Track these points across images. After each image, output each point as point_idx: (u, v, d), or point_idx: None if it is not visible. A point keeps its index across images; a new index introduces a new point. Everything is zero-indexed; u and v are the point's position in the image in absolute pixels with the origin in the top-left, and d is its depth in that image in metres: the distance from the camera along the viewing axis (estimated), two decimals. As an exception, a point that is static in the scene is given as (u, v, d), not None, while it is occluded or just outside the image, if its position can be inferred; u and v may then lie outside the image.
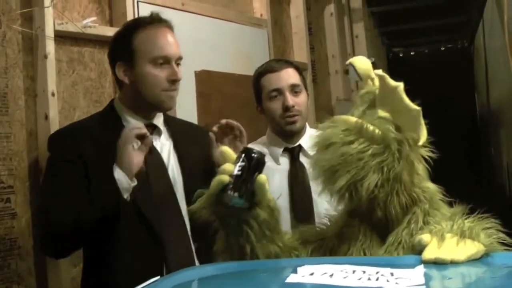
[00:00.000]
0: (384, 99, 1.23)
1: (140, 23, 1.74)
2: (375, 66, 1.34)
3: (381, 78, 1.22)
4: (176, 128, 1.85)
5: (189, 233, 1.75)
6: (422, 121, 1.20)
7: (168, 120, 1.85)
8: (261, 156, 1.26)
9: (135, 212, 1.64)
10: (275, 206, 1.30)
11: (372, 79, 1.29)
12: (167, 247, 1.67)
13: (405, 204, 1.23)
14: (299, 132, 2.07)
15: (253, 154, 1.25)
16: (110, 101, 1.84)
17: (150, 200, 1.68)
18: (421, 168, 1.28)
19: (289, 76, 2.04)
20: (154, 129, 1.77)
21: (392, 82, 1.20)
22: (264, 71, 2.07)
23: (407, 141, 1.21)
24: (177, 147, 1.80)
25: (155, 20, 1.74)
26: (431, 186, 1.29)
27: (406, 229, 1.22)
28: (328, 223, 1.41)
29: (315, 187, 1.99)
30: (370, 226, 1.27)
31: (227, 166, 1.25)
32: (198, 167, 1.79)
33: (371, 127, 1.21)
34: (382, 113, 1.23)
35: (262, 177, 1.26)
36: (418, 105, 1.20)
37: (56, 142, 1.72)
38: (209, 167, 1.83)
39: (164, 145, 1.79)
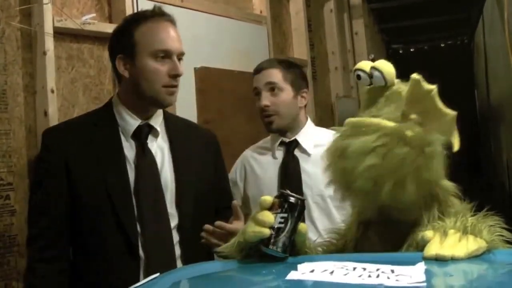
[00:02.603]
0: (415, 101, 1.20)
1: (141, 16, 1.72)
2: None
3: (416, 81, 1.19)
4: (175, 129, 1.80)
5: (175, 240, 1.70)
6: (455, 126, 1.18)
7: (168, 119, 1.80)
8: (302, 202, 1.20)
9: (115, 223, 1.62)
10: (310, 247, 1.27)
11: (393, 84, 1.26)
12: (148, 259, 1.63)
13: (427, 200, 1.21)
14: (291, 129, 2.10)
15: (293, 200, 1.18)
16: (110, 98, 1.83)
17: (131, 209, 1.64)
18: (441, 167, 1.25)
19: (268, 75, 2.06)
20: (150, 130, 1.73)
21: (427, 86, 1.17)
22: (253, 71, 2.13)
23: (436, 143, 1.18)
24: (173, 150, 1.76)
25: (157, 14, 1.71)
26: (447, 183, 1.26)
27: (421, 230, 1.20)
28: (338, 236, 1.38)
29: (307, 180, 2.05)
30: (383, 232, 1.26)
31: (267, 217, 1.17)
32: (194, 171, 1.77)
33: (409, 132, 1.16)
34: (412, 115, 1.20)
35: (303, 227, 1.21)
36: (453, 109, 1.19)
37: (45, 144, 1.71)
38: (206, 171, 1.83)
39: (160, 147, 1.75)
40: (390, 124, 1.19)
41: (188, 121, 1.97)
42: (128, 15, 1.77)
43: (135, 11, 2.33)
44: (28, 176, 1.96)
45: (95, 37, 2.25)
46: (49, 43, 1.99)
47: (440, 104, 1.18)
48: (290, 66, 2.15)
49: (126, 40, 1.68)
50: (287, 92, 2.08)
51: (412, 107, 1.20)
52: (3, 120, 1.89)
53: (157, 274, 1.16)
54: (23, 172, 1.94)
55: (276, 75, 2.07)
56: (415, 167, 1.15)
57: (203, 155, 1.84)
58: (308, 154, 2.08)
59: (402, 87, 1.24)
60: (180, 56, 1.71)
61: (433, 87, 1.18)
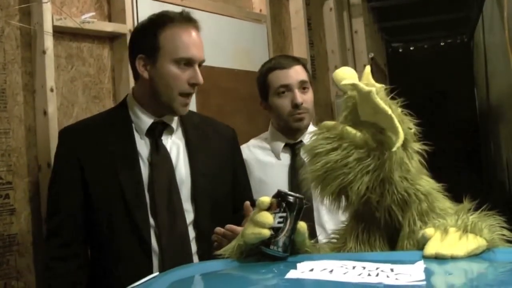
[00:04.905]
0: (362, 104, 1.21)
1: (168, 19, 1.70)
2: (374, 61, 1.32)
3: (353, 85, 1.19)
4: (191, 125, 1.80)
5: (191, 236, 1.70)
6: (397, 123, 1.15)
7: (184, 116, 1.79)
8: (300, 200, 1.19)
9: (128, 219, 1.64)
10: (310, 246, 1.27)
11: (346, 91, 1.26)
12: (163, 254, 1.64)
13: (400, 202, 1.22)
14: (303, 129, 2.07)
15: (291, 199, 1.18)
16: (126, 95, 1.83)
17: (144, 205, 1.65)
18: (413, 165, 1.25)
19: (298, 73, 2.04)
20: (164, 127, 1.74)
21: (364, 88, 1.17)
22: (272, 67, 2.06)
23: (392, 141, 1.18)
24: (188, 146, 1.76)
25: (184, 18, 1.70)
26: (425, 182, 1.27)
27: (408, 232, 1.21)
28: (338, 236, 1.38)
29: None
30: (379, 229, 1.26)
31: (266, 218, 1.17)
32: (211, 167, 1.76)
33: (352, 131, 1.19)
34: (364, 117, 1.21)
35: (302, 225, 1.21)
36: (407, 101, 1.22)
37: (60, 143, 1.75)
38: (223, 167, 1.82)
39: (175, 143, 1.75)
40: (336, 125, 1.22)
41: (205, 116, 1.97)
42: (154, 14, 1.73)
43: (135, 9, 2.33)
44: (28, 175, 1.95)
45: (94, 36, 2.25)
46: (49, 42, 1.98)
47: (380, 103, 1.15)
48: (305, 65, 2.14)
49: (150, 41, 1.67)
50: (311, 90, 2.08)
51: (363, 109, 1.21)
52: (2, 119, 1.89)
53: (156, 273, 1.17)
54: (22, 171, 1.94)
55: (304, 72, 2.06)
56: (363, 167, 1.18)
57: (221, 150, 1.83)
58: None
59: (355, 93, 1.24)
60: (201, 63, 1.72)
61: (371, 89, 1.15)
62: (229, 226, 1.59)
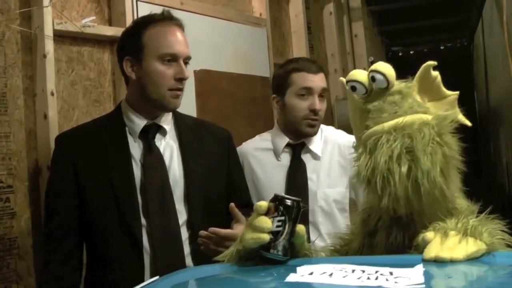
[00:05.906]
0: (424, 89, 1.26)
1: (150, 19, 1.74)
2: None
3: (428, 66, 1.26)
4: (185, 127, 1.82)
5: (184, 236, 1.71)
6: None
7: (178, 118, 1.82)
8: (298, 203, 1.19)
9: (119, 219, 1.65)
10: (310, 249, 1.27)
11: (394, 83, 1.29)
12: (155, 254, 1.65)
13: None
14: (311, 136, 2.10)
15: (289, 203, 1.18)
16: (119, 102, 1.85)
17: (135, 206, 1.67)
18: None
19: (322, 80, 2.08)
20: (158, 129, 1.76)
21: (433, 72, 1.25)
22: (299, 68, 2.07)
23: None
24: (182, 148, 1.77)
25: (166, 18, 1.74)
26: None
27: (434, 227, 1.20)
28: (342, 242, 1.38)
29: (312, 184, 2.05)
30: (389, 238, 1.26)
31: (264, 222, 1.16)
32: (205, 168, 1.78)
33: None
34: (426, 103, 1.26)
35: (301, 228, 1.21)
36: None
37: (55, 148, 1.76)
38: (218, 168, 1.83)
39: (168, 145, 1.77)
40: (428, 117, 1.22)
41: (199, 119, 2.00)
42: (138, 17, 1.79)
43: (135, 14, 2.34)
44: (28, 179, 1.96)
45: (95, 40, 2.25)
46: (49, 46, 1.99)
47: (443, 87, 1.26)
48: None
49: (134, 42, 1.70)
50: (326, 101, 2.11)
51: (424, 96, 1.24)
52: (3, 122, 1.90)
53: (157, 277, 1.17)
54: (23, 174, 1.95)
55: (325, 81, 2.10)
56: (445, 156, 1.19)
57: (215, 151, 1.85)
58: (317, 158, 2.09)
59: (406, 83, 1.29)
60: (187, 60, 1.74)
61: (437, 73, 1.24)
62: (212, 229, 1.59)
